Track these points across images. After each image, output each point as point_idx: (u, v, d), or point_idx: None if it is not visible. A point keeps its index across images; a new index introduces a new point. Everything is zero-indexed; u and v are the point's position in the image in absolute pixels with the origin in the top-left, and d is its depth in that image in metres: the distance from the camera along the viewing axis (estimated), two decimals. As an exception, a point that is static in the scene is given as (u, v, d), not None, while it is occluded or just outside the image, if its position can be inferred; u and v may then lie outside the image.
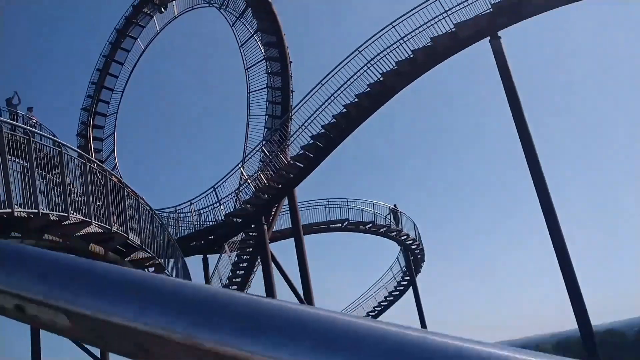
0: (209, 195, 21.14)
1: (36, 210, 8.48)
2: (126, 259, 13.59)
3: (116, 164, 24.73)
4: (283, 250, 28.92)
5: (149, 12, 25.87)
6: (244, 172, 20.62)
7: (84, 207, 10.41)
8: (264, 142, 21.13)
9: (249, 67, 23.59)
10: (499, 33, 18.60)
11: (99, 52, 26.13)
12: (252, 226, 20.94)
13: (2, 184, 7.88)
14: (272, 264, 20.76)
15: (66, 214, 9.48)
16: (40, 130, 16.13)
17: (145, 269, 15.16)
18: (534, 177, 17.44)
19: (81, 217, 10.16)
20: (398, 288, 34.09)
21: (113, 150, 25.55)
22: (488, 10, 18.47)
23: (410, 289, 32.84)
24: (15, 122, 11.94)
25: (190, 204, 21.54)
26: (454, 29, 18.77)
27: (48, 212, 8.94)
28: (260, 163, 20.77)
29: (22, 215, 8.32)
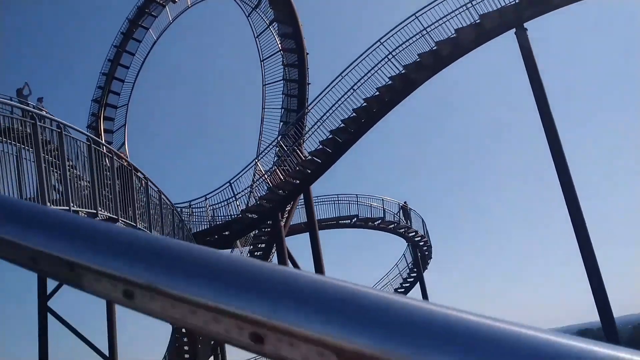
0: (224, 190, 20.56)
1: (67, 208, 7.93)
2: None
3: (127, 157, 24.04)
4: (293, 246, 28.49)
5: (161, 1, 25.10)
6: (260, 167, 20.03)
7: (110, 203, 9.86)
8: (281, 136, 20.52)
9: (265, 59, 22.94)
10: (525, 25, 18.12)
11: (110, 42, 25.47)
12: (269, 222, 20.39)
13: (36, 180, 7.32)
14: (288, 261, 20.29)
15: (95, 211, 8.95)
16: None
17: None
18: (560, 174, 16.88)
19: (108, 214, 9.61)
20: (404, 285, 33.57)
21: (124, 143, 24.86)
22: (514, 1, 17.96)
23: (417, 285, 32.43)
24: (50, 116, 11.25)
25: (206, 199, 20.94)
26: (478, 20, 18.26)
27: (78, 209, 8.39)
28: (276, 158, 20.18)
29: (54, 212, 7.74)
